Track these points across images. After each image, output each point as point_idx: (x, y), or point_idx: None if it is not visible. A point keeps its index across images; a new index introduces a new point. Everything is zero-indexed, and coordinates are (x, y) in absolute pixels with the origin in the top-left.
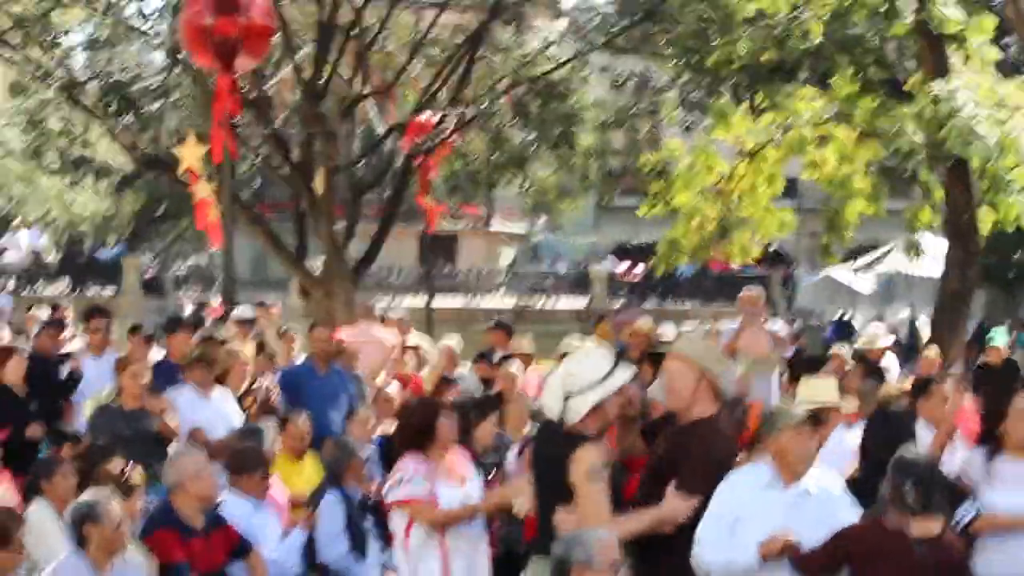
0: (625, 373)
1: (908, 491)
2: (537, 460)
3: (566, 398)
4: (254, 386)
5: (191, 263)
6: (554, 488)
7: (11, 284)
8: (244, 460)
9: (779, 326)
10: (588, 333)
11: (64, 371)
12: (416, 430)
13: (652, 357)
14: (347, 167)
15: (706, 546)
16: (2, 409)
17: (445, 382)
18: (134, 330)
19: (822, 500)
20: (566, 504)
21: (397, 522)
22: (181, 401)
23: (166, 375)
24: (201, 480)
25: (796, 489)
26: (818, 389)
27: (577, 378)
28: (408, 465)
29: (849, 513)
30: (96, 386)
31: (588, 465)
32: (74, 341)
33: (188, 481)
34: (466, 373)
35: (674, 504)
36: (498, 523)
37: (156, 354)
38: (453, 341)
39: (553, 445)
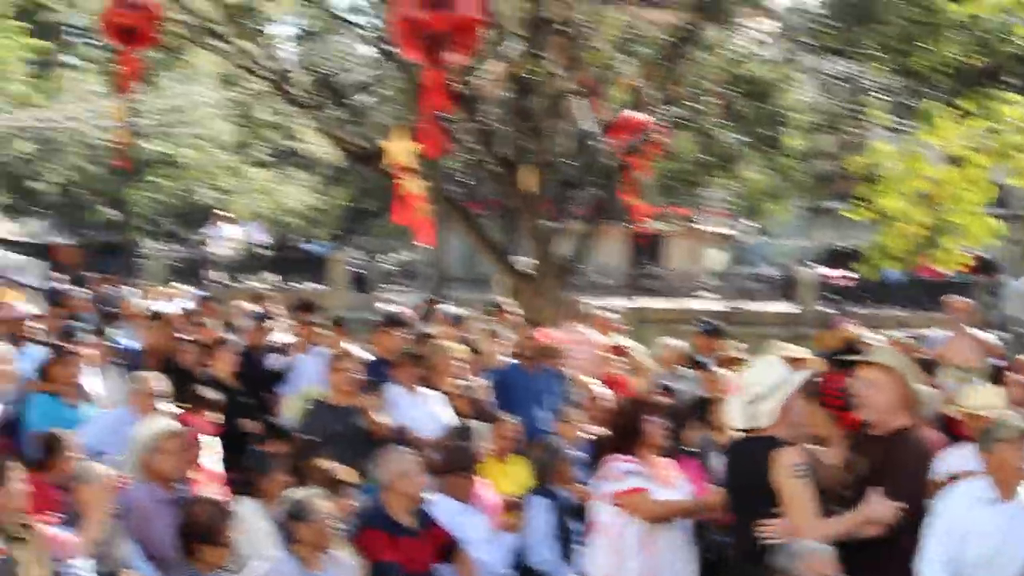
0: (802, 375)
1: None
2: (732, 468)
3: (748, 404)
4: (464, 385)
5: (399, 258)
6: (751, 495)
7: (219, 276)
8: (453, 460)
9: (989, 335)
10: (795, 337)
11: (272, 364)
12: (624, 430)
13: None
14: (555, 164)
15: (935, 564)
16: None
17: (657, 385)
18: (337, 323)
19: None
20: (764, 512)
21: (605, 519)
22: (390, 399)
23: (376, 372)
24: (410, 479)
25: (1014, 503)
26: (983, 398)
27: (757, 385)
28: (618, 464)
29: None
30: (303, 381)
31: (790, 464)
32: (282, 335)
33: (397, 480)
34: (687, 374)
35: (879, 506)
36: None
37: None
38: (673, 343)
39: (747, 451)
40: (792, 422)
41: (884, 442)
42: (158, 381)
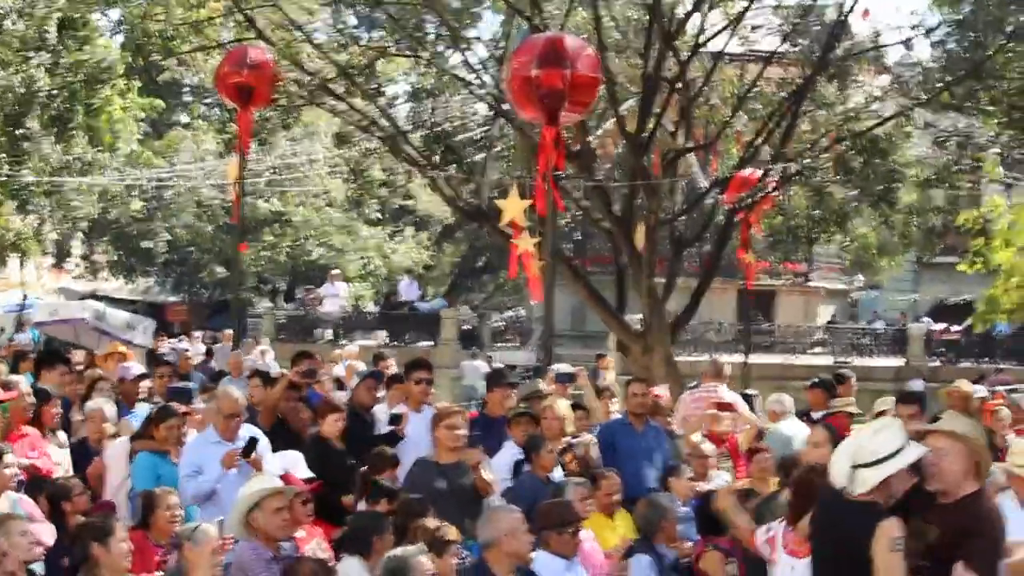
0: (917, 450)
1: None
2: (824, 528)
3: (854, 468)
4: (572, 442)
5: (509, 316)
6: (844, 559)
7: (328, 334)
8: (553, 516)
9: None
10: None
11: (383, 424)
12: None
13: None
14: (669, 221)
15: None
16: (320, 463)
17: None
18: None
19: None
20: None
21: None
22: (501, 459)
23: (484, 429)
24: (516, 537)
25: None
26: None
27: (868, 450)
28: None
29: None
30: (416, 440)
31: (892, 537)
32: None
33: (503, 538)
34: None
35: None
36: None
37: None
38: (784, 399)
39: (844, 515)
40: (891, 492)
41: (954, 509)
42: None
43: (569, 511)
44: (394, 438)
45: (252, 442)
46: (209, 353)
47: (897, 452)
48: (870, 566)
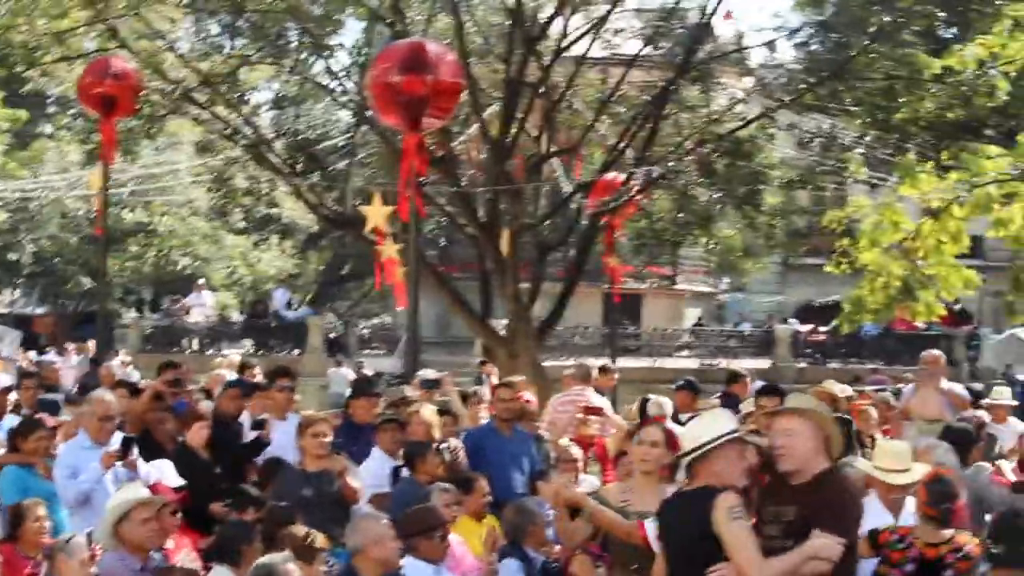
0: (733, 431)
1: (991, 544)
2: (669, 523)
3: (680, 458)
4: (440, 448)
5: (375, 323)
6: (694, 547)
7: (195, 344)
8: (418, 522)
9: (958, 387)
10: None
11: (249, 433)
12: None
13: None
14: (533, 226)
15: None
16: (186, 472)
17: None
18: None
19: None
20: (707, 562)
21: None
22: (369, 466)
23: (349, 437)
24: (383, 545)
25: None
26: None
27: (689, 438)
28: None
29: None
30: (282, 448)
31: (728, 507)
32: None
33: (370, 545)
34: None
35: (823, 541)
36: None
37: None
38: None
39: (683, 505)
40: (722, 479)
41: (809, 488)
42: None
43: (434, 516)
44: (259, 445)
45: (127, 442)
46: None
47: (716, 437)
48: (716, 543)
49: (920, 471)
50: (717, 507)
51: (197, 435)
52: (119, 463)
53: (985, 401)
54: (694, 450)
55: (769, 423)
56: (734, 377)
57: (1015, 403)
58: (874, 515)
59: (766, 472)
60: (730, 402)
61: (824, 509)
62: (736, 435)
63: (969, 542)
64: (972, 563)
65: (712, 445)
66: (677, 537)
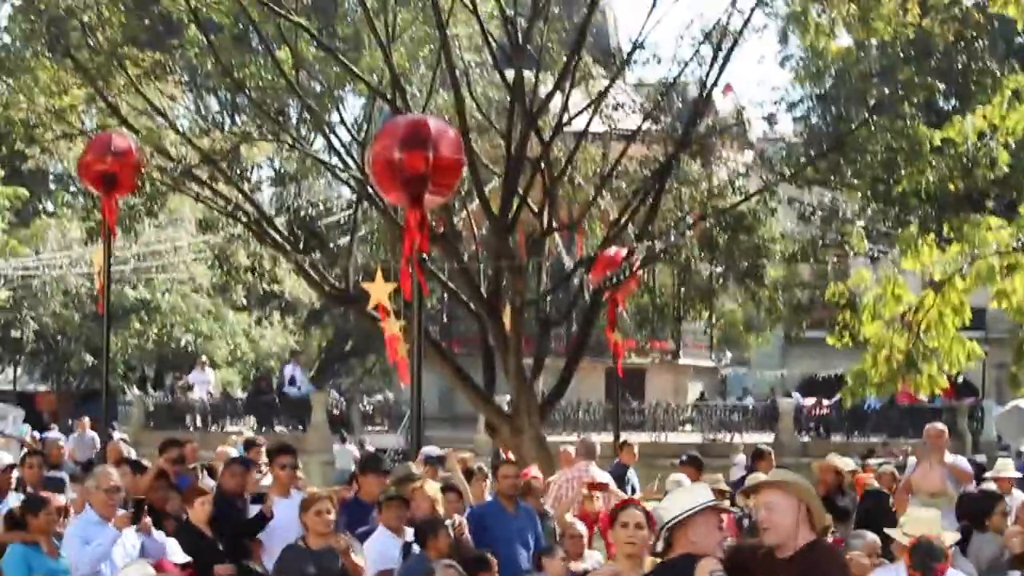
0: (708, 499)
1: None
2: None
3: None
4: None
5: (378, 399)
6: None
7: (198, 421)
8: None
9: (962, 460)
10: (775, 468)
11: (252, 510)
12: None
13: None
14: (535, 302)
15: None
16: (190, 549)
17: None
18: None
19: None
20: None
21: None
22: (374, 543)
23: (356, 514)
24: None
25: None
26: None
27: (663, 510)
28: None
29: None
30: (284, 526)
31: (709, 570)
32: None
33: None
34: None
35: None
36: None
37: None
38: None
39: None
40: (699, 549)
41: (792, 562)
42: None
43: None
44: (262, 521)
45: (139, 504)
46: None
47: (691, 508)
48: None
49: (950, 539)
50: (698, 572)
51: (200, 511)
52: (133, 527)
53: (989, 474)
54: (674, 519)
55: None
56: (759, 455)
57: (1019, 475)
58: None
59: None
60: None
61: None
62: (713, 503)
63: None
64: None
65: (690, 513)
66: None
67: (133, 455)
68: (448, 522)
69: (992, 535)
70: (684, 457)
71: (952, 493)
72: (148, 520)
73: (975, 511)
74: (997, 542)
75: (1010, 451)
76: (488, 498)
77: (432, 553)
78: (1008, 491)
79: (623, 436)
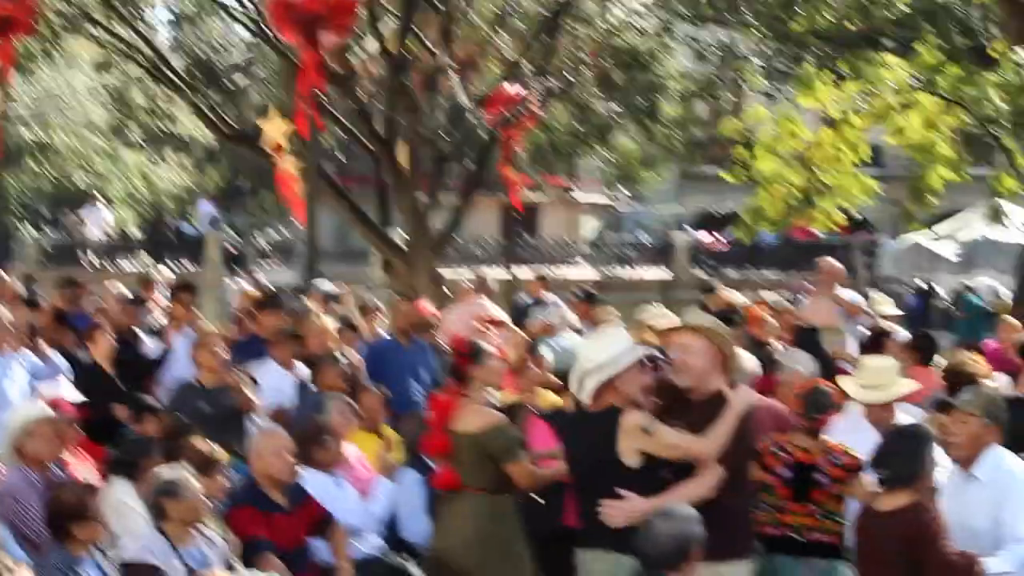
0: (636, 352)
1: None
2: (570, 442)
3: (581, 378)
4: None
5: (273, 236)
6: (595, 466)
7: (93, 260)
8: (312, 433)
9: (854, 295)
10: (671, 302)
11: (150, 346)
12: None
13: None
14: (430, 140)
15: None
16: (90, 386)
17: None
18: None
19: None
20: (611, 487)
21: None
22: (266, 377)
23: (253, 350)
24: (282, 457)
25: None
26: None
27: (588, 358)
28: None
29: None
30: (181, 361)
31: (637, 424)
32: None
33: (268, 457)
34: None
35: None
36: None
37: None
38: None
39: (586, 425)
40: (628, 396)
41: (702, 405)
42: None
43: (327, 427)
44: (160, 360)
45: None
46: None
47: (616, 357)
48: (620, 466)
49: (907, 387)
50: (627, 429)
51: (102, 347)
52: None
53: (869, 311)
54: (607, 377)
55: (666, 339)
56: (710, 289)
57: (898, 312)
58: (861, 432)
59: (664, 391)
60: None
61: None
62: (643, 356)
63: (842, 449)
64: (844, 471)
65: (611, 375)
66: (581, 456)
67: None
68: (341, 356)
69: None
70: (578, 292)
71: (842, 327)
72: (43, 343)
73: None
74: None
75: (903, 286)
76: (382, 333)
77: (324, 387)
78: (888, 327)
79: (521, 270)
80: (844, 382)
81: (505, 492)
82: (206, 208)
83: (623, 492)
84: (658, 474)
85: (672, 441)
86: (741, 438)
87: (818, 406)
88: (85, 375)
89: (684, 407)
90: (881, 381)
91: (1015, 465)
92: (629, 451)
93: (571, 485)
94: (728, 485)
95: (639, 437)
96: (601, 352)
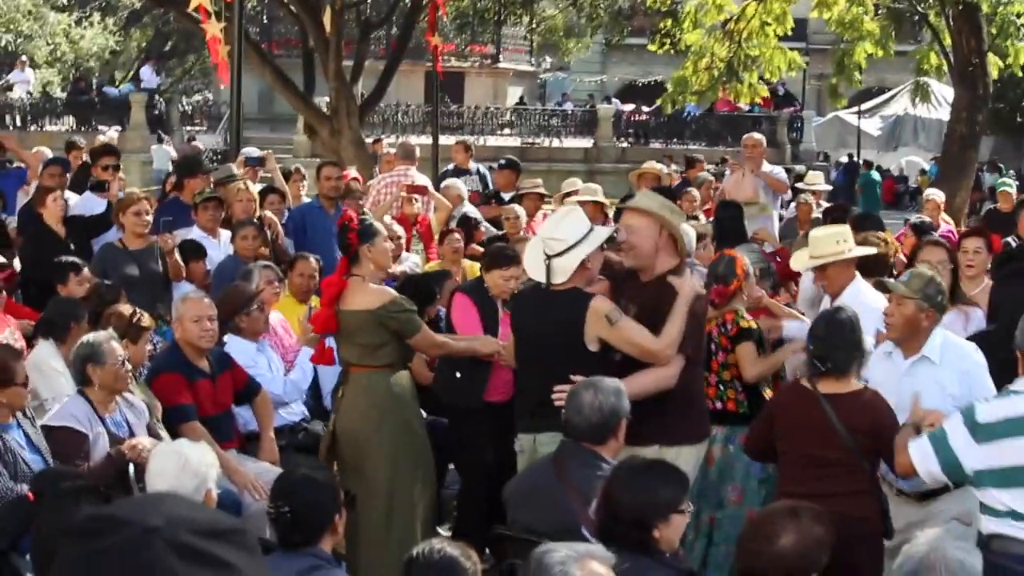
0: (604, 231)
1: (811, 350)
2: (528, 322)
3: (548, 259)
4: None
5: (197, 100)
6: (554, 348)
7: (17, 120)
8: (235, 299)
9: (778, 170)
10: (594, 172)
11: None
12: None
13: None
14: (355, 4)
15: None
16: (43, 251)
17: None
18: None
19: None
20: (568, 370)
21: None
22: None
23: (175, 214)
24: (203, 323)
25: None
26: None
27: (557, 239)
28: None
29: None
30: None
31: (604, 314)
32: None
33: (192, 323)
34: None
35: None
36: None
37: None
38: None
39: (550, 306)
40: (590, 277)
41: (652, 286)
42: None
43: (250, 293)
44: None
45: None
46: None
47: (585, 236)
48: (581, 350)
49: (859, 251)
50: (595, 316)
51: (54, 210)
52: None
53: (800, 185)
54: (578, 262)
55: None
56: (692, 163)
57: (828, 187)
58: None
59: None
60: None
61: (664, 307)
62: (608, 238)
63: (734, 317)
64: (729, 339)
65: (587, 255)
66: (539, 336)
67: None
68: (262, 220)
69: None
70: (502, 160)
71: (765, 201)
72: None
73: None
74: None
75: (829, 161)
76: (306, 199)
77: (242, 253)
78: (817, 203)
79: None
80: (798, 256)
81: (400, 368)
82: (148, 72)
83: (577, 378)
84: (611, 356)
85: (632, 338)
86: (693, 327)
87: (718, 276)
88: (36, 235)
89: (635, 288)
90: (829, 249)
91: (964, 344)
92: (592, 337)
93: (523, 364)
94: (686, 372)
95: (603, 326)
96: (571, 231)
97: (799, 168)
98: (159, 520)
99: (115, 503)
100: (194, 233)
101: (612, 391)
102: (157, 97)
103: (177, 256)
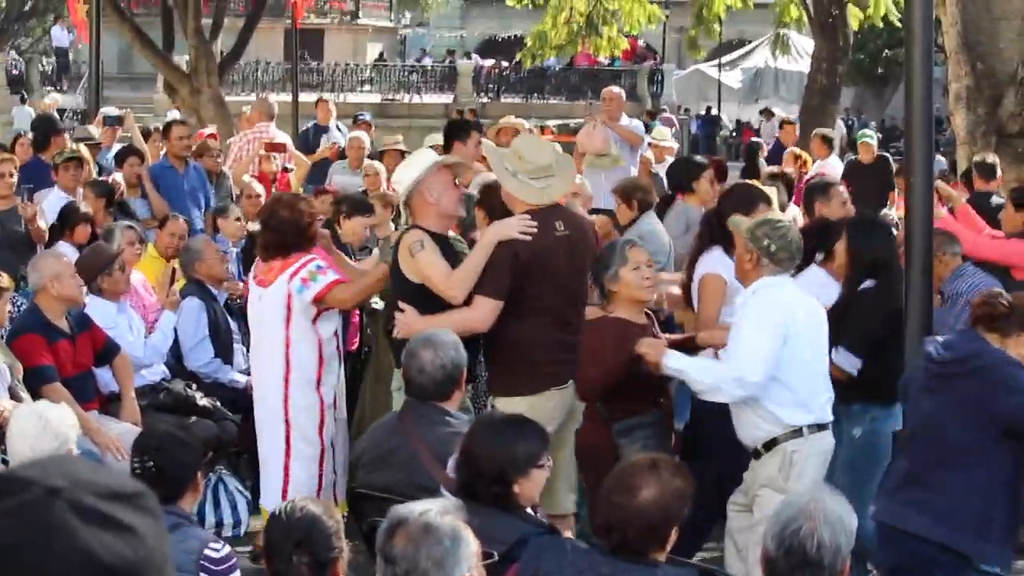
0: (430, 156)
1: None
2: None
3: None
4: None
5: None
6: (394, 286)
7: None
8: (94, 260)
9: (635, 123)
10: None
11: None
12: (296, 229)
13: None
14: None
15: None
16: None
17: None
18: None
19: None
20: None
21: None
22: (49, 204)
23: (36, 175)
24: (64, 282)
25: None
26: None
27: (402, 182)
28: (307, 260)
29: None
30: None
31: (408, 244)
32: None
33: (51, 283)
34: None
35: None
36: None
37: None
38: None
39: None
40: (429, 205)
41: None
42: None
43: (107, 253)
44: None
45: None
46: None
47: (420, 166)
48: (404, 279)
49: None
50: (403, 246)
51: None
52: None
53: (648, 140)
54: (407, 190)
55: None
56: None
57: (676, 144)
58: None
59: None
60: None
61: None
62: (440, 161)
63: None
64: None
65: (416, 182)
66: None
67: None
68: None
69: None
70: (359, 116)
71: (617, 154)
72: None
73: (680, 178)
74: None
75: (689, 114)
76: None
77: (100, 214)
78: (661, 160)
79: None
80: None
81: None
82: (59, 31)
83: (404, 306)
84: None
85: (424, 270)
86: (500, 271)
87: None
88: None
89: None
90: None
91: (769, 293)
92: (404, 268)
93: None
94: (519, 322)
95: (406, 256)
96: (406, 173)
97: (652, 123)
98: (62, 481)
99: (18, 464)
100: (55, 194)
101: (451, 345)
102: (16, 57)
103: (40, 223)
